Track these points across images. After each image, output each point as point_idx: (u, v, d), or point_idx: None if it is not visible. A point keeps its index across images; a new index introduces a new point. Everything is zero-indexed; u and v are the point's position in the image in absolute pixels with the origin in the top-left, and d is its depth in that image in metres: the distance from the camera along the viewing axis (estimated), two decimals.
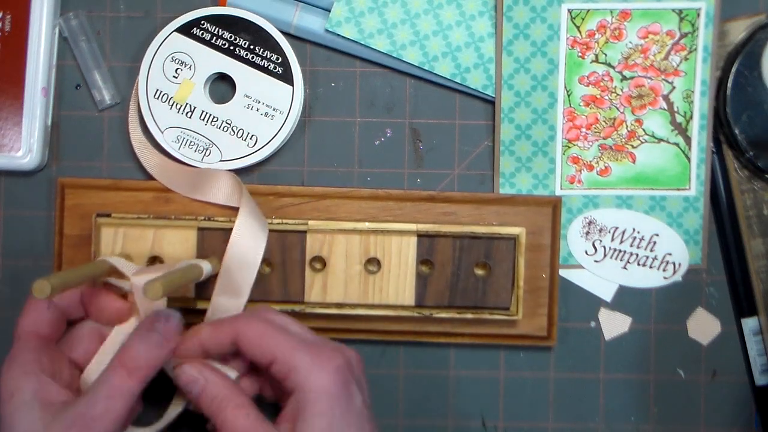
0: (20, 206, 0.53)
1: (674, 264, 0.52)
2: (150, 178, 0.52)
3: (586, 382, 0.53)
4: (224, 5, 0.52)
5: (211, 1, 0.53)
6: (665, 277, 0.53)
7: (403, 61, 0.52)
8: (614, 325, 0.53)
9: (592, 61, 0.52)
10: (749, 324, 0.52)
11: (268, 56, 0.51)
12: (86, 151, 0.53)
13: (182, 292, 0.50)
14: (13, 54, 0.52)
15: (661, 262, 0.52)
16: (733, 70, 0.51)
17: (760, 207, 0.52)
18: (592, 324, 0.53)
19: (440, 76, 0.52)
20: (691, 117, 0.52)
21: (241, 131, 0.51)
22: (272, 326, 0.43)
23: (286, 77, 0.51)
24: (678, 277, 0.53)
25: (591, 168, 0.52)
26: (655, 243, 0.52)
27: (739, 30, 0.52)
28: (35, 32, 0.52)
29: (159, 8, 0.53)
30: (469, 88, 0.52)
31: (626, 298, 0.53)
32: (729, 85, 0.51)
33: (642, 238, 0.52)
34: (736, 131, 0.51)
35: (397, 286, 0.50)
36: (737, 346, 0.53)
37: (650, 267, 0.52)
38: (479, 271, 0.51)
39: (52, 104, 0.53)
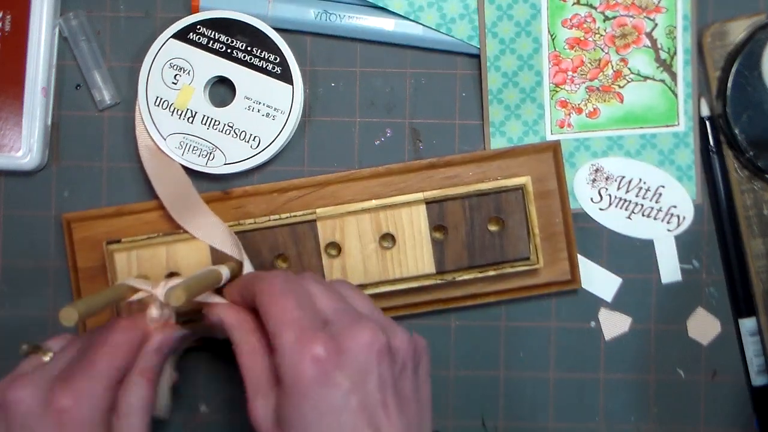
0: (20, 206, 0.53)
1: (678, 217, 0.52)
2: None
3: (586, 382, 0.53)
4: (197, 11, 0.52)
5: (184, 10, 0.53)
6: (669, 230, 0.53)
7: (388, 11, 0.52)
8: (614, 325, 0.53)
9: (574, 4, 0.52)
10: (746, 324, 0.53)
11: (266, 57, 0.51)
12: (86, 151, 0.53)
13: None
14: (13, 54, 0.52)
15: (666, 214, 0.52)
16: (733, 70, 0.51)
17: (760, 207, 0.52)
18: (592, 324, 0.53)
19: (426, 27, 0.52)
20: (675, 53, 0.52)
21: (243, 133, 0.51)
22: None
23: (286, 77, 0.51)
24: (681, 230, 0.52)
25: (580, 111, 0.53)
26: (660, 195, 0.52)
27: (739, 30, 0.52)
28: (35, 32, 0.52)
29: (159, 8, 0.53)
30: (455, 38, 0.52)
31: (626, 298, 0.53)
32: (729, 85, 0.51)
33: (648, 189, 0.52)
34: (736, 131, 0.51)
35: (415, 256, 0.51)
36: (737, 346, 0.53)
37: (654, 218, 0.53)
38: (493, 227, 0.51)
39: (52, 104, 0.53)
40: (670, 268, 0.53)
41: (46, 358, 0.44)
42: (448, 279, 0.50)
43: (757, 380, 0.53)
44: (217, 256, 0.50)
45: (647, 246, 0.53)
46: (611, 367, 0.53)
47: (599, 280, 0.53)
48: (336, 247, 0.51)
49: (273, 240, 0.50)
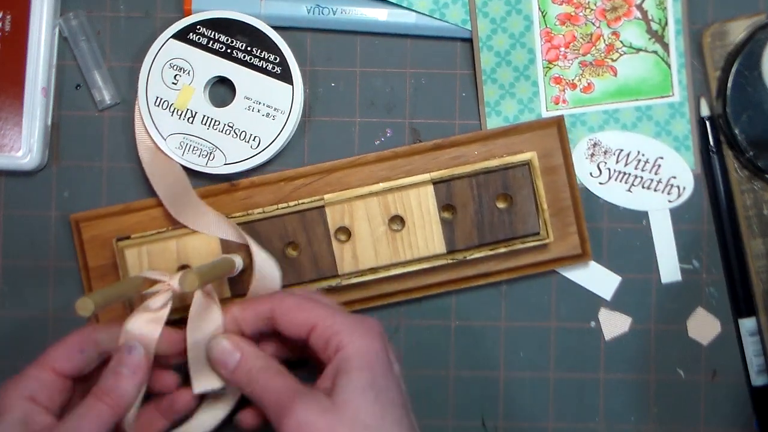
0: (20, 206, 0.53)
1: (678, 187, 0.52)
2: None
3: (586, 382, 0.53)
4: (190, 14, 0.52)
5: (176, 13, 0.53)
6: (670, 200, 0.53)
7: (381, 1, 0.52)
8: (614, 325, 0.53)
9: None
10: (746, 324, 0.53)
11: (266, 57, 0.51)
12: (86, 151, 0.53)
13: (219, 291, 0.50)
14: (13, 54, 0.52)
15: (666, 185, 0.53)
16: (733, 70, 0.51)
17: (760, 207, 0.52)
18: (592, 324, 0.53)
19: (419, 13, 0.52)
20: (666, 23, 0.52)
21: (243, 133, 0.51)
22: (306, 298, 0.45)
23: (285, 77, 0.51)
24: (682, 200, 0.52)
25: (574, 86, 0.53)
26: (659, 166, 0.52)
27: (739, 30, 0.52)
28: (35, 32, 0.52)
29: (159, 8, 0.53)
30: (449, 23, 0.52)
31: (626, 298, 0.53)
32: (729, 85, 0.51)
33: (647, 161, 0.52)
34: (736, 131, 0.51)
35: (425, 237, 0.51)
36: (737, 346, 0.53)
37: (654, 190, 0.53)
38: (501, 204, 0.51)
39: (52, 104, 0.53)
40: (670, 268, 0.53)
41: None
42: (459, 258, 0.51)
43: (757, 380, 0.53)
44: (228, 247, 0.50)
45: (647, 246, 0.53)
46: (611, 367, 0.53)
47: (598, 278, 0.53)
48: (346, 232, 0.51)
49: (282, 228, 0.50)
